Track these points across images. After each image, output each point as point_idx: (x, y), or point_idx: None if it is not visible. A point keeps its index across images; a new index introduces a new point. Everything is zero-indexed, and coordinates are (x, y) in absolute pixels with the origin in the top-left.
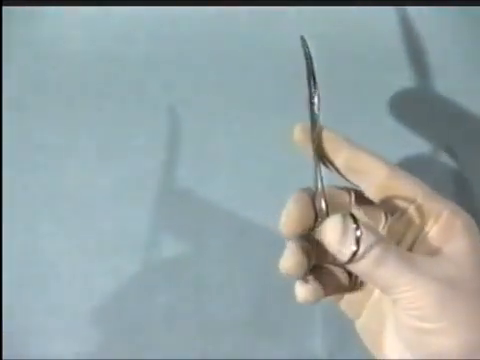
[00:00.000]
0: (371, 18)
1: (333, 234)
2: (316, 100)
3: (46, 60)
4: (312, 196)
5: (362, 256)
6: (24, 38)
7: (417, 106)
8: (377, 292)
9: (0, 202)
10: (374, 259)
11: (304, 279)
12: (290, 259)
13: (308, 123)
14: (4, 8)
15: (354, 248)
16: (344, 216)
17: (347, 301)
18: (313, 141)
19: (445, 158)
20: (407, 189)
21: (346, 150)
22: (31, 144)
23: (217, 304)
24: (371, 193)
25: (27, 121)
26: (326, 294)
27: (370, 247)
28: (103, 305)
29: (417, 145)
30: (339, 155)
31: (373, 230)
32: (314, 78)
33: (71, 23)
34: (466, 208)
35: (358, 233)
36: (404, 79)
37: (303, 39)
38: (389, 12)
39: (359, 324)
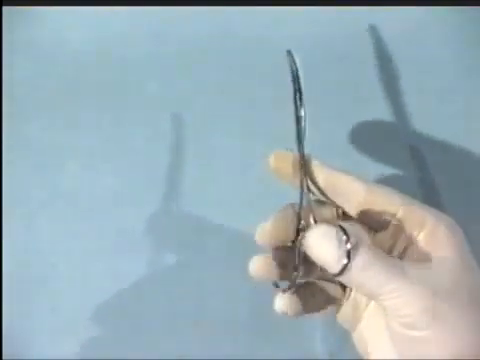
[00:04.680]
0: (370, 18)
1: (322, 248)
2: (302, 114)
3: (46, 60)
4: (295, 210)
5: (351, 265)
6: (24, 38)
7: (415, 107)
8: (370, 306)
9: (0, 202)
10: (361, 266)
11: (283, 291)
12: (258, 262)
13: (283, 151)
14: (4, 8)
15: (345, 261)
16: (332, 227)
17: (342, 314)
18: (300, 158)
19: (443, 158)
20: (387, 203)
21: (324, 171)
22: (31, 144)
23: (217, 304)
24: (352, 211)
25: (27, 121)
26: (309, 309)
27: (358, 255)
28: (103, 305)
29: (414, 145)
30: (318, 176)
31: (360, 238)
32: (300, 94)
33: (71, 23)
34: (460, 211)
35: (349, 246)
36: (402, 79)
37: (290, 54)
38: (388, 12)
39: (355, 336)
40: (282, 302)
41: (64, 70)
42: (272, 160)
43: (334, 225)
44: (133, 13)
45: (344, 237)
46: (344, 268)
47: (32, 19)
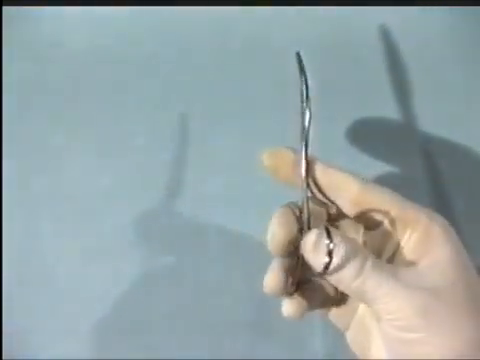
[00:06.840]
0: (371, 18)
1: (307, 246)
2: (307, 115)
3: (46, 60)
4: (296, 210)
5: (339, 267)
6: (24, 38)
7: (414, 107)
8: (362, 305)
9: (0, 202)
10: (352, 270)
11: (290, 296)
12: (272, 279)
13: (275, 149)
14: (4, 8)
15: (326, 259)
16: (319, 229)
17: (335, 314)
18: (306, 156)
19: (443, 158)
20: (381, 202)
21: (320, 167)
22: (31, 144)
23: (217, 304)
24: (346, 209)
25: (27, 121)
26: (312, 308)
27: (346, 259)
28: (103, 305)
29: (414, 145)
30: (315, 173)
31: (350, 242)
32: (307, 93)
33: (71, 23)
34: (461, 211)
35: (331, 246)
36: (401, 80)
37: (299, 55)
38: (388, 12)
39: (348, 336)
40: (290, 307)
41: (64, 70)
42: (266, 158)
43: (320, 226)
44: (133, 13)
45: (326, 239)
46: (326, 267)
47: (32, 19)
